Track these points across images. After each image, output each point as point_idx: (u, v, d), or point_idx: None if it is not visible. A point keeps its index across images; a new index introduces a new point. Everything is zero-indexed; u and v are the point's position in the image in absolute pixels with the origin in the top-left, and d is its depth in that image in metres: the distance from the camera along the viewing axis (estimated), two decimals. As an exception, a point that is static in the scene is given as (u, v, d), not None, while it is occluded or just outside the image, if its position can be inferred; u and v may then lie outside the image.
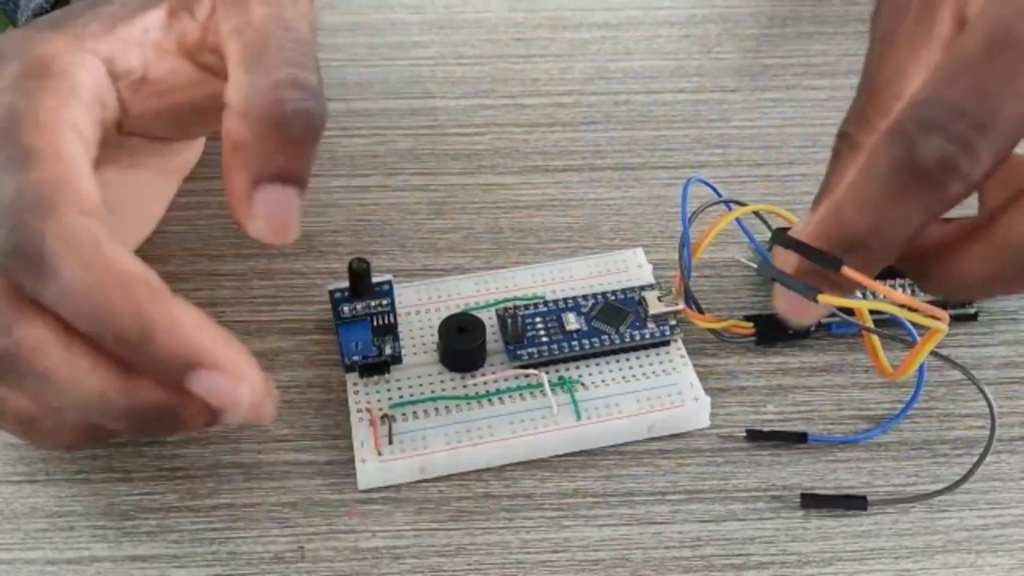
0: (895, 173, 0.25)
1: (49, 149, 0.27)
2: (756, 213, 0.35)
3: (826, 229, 0.26)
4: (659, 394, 0.33)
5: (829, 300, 0.26)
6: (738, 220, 0.35)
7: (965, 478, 0.31)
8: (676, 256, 0.36)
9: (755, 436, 0.32)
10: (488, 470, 0.32)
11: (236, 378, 0.26)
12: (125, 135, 0.31)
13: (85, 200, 0.27)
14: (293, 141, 0.28)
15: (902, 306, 0.27)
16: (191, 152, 0.37)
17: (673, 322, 0.34)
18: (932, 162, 0.24)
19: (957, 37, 0.27)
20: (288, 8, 0.30)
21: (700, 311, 0.34)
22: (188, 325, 0.26)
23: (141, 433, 0.27)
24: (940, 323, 0.26)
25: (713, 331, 0.35)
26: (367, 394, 0.33)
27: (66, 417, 0.28)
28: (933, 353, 0.29)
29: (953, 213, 0.26)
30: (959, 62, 0.25)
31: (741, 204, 0.34)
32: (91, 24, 0.30)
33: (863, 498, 0.31)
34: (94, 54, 0.29)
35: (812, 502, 0.31)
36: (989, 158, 0.24)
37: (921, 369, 0.32)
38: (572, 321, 0.34)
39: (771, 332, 0.35)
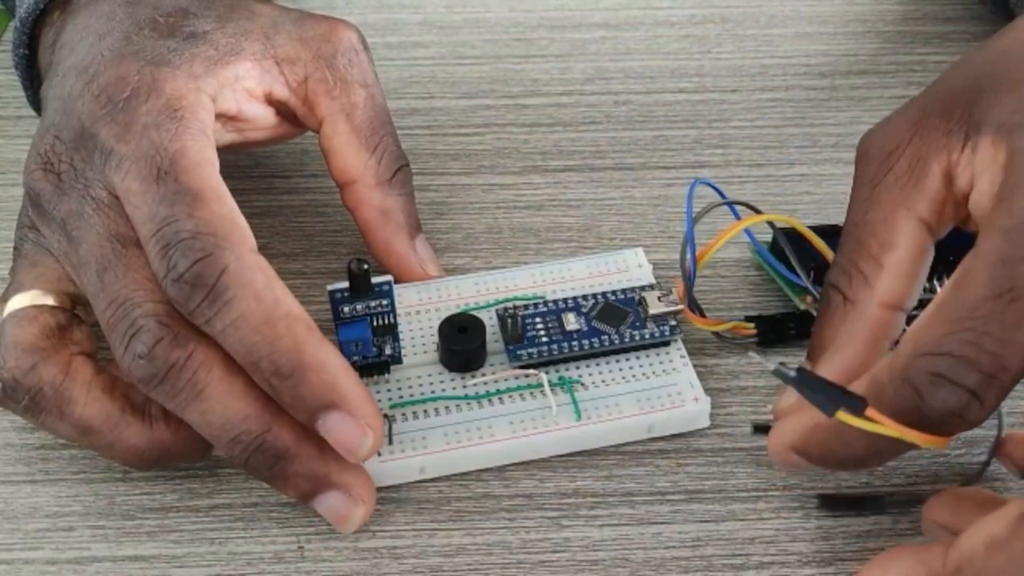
0: (903, 414, 0.26)
1: (210, 189, 0.30)
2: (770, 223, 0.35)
3: (817, 447, 0.28)
4: (659, 394, 0.33)
5: (847, 419, 0.26)
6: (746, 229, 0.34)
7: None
8: (676, 256, 0.36)
9: (761, 430, 0.32)
10: (488, 470, 0.32)
11: (364, 427, 0.28)
12: None
13: (251, 239, 0.30)
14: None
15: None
16: None
17: (673, 322, 0.34)
18: (940, 413, 0.25)
19: (946, 196, 0.29)
20: (376, 86, 0.36)
21: (702, 314, 0.34)
22: (335, 368, 0.28)
23: (246, 467, 0.29)
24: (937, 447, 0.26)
25: (715, 333, 0.35)
26: (367, 394, 0.33)
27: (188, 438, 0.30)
28: None
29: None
30: (968, 307, 0.25)
31: (749, 207, 0.34)
32: (195, 64, 0.32)
33: (881, 498, 0.31)
34: (207, 95, 0.32)
35: (830, 504, 0.31)
36: (995, 402, 0.25)
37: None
38: (572, 321, 0.34)
39: (772, 332, 0.35)
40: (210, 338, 0.29)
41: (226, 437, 0.29)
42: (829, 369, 0.29)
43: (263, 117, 0.35)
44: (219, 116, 0.33)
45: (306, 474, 0.29)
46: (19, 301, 0.31)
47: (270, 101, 0.35)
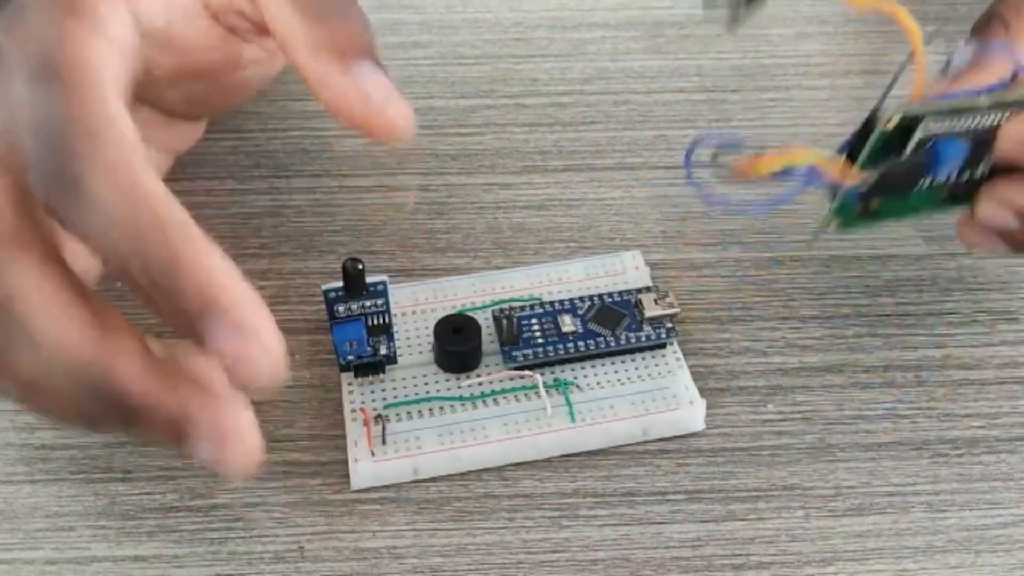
0: None
1: (84, 79, 0.26)
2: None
3: None
4: (654, 397, 0.33)
5: None
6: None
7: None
8: (676, 257, 0.36)
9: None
10: (488, 470, 0.32)
11: (251, 334, 0.24)
12: (138, 103, 0.30)
13: (123, 130, 0.26)
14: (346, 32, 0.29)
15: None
16: (194, 130, 0.37)
17: (669, 325, 0.34)
18: None
19: None
20: None
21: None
22: (215, 264, 0.24)
23: (99, 422, 0.26)
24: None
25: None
26: (361, 394, 0.33)
27: (58, 384, 0.25)
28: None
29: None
30: None
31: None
32: None
33: None
34: (123, 4, 0.29)
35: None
36: None
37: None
38: (568, 323, 0.34)
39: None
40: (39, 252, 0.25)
41: (77, 389, 0.25)
42: None
43: (203, 31, 0.31)
44: (149, 35, 0.29)
45: (165, 422, 0.25)
46: None
47: (212, 14, 0.31)
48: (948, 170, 0.32)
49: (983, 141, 0.31)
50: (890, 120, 0.29)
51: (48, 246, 0.26)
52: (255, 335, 0.24)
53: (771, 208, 0.32)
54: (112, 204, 0.24)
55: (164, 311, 0.25)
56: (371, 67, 0.29)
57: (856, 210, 0.33)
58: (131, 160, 0.25)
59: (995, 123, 0.31)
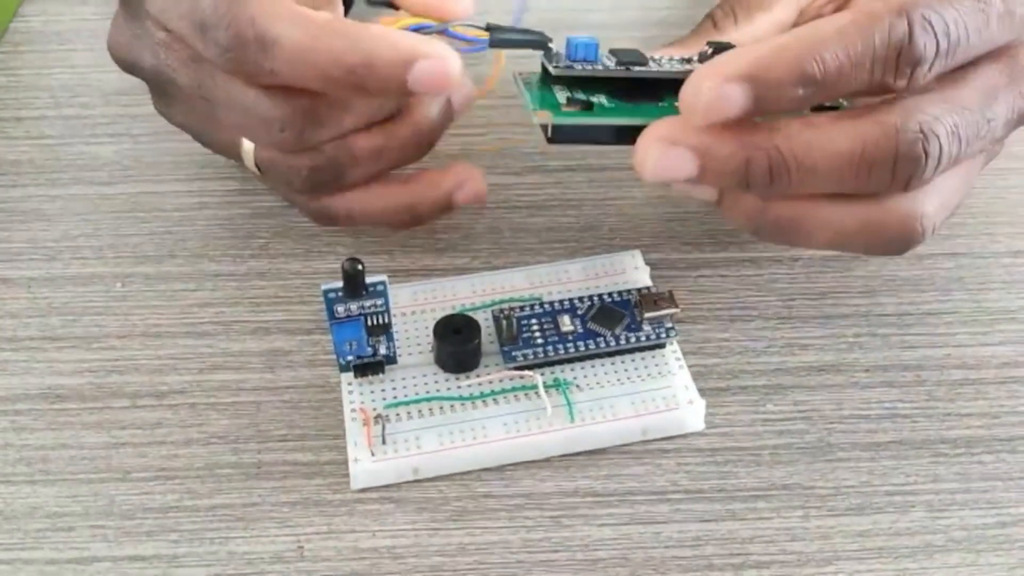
0: (886, 45, 0.28)
1: None
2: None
3: (791, 59, 0.28)
4: (653, 397, 0.33)
5: None
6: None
7: None
8: (675, 257, 0.36)
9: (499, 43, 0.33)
10: (488, 470, 0.32)
11: (445, 60, 0.30)
12: None
13: None
14: None
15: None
16: None
17: (669, 325, 0.34)
18: (919, 52, 0.28)
19: None
20: None
21: None
22: (394, 36, 0.31)
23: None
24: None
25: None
26: (361, 394, 0.33)
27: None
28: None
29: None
30: None
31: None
32: None
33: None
34: None
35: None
36: (939, 71, 0.29)
37: None
38: (567, 323, 0.34)
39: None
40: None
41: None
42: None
43: None
44: None
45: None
46: None
47: None
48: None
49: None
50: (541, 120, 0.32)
51: None
52: (448, 62, 0.31)
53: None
54: (300, 41, 0.30)
55: (375, 91, 0.31)
56: None
57: (560, 100, 0.33)
58: (290, 4, 0.31)
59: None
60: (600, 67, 0.33)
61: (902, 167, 0.30)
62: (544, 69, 0.33)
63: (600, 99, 0.33)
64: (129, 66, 0.36)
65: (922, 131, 0.29)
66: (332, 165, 0.34)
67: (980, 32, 0.29)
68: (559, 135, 0.32)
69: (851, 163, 0.30)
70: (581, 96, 0.33)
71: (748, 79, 0.28)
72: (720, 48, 0.33)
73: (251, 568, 0.30)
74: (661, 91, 0.33)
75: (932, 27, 0.28)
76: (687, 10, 0.49)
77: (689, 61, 0.34)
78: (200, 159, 0.40)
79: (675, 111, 0.30)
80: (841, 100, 0.32)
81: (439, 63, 0.30)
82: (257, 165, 0.35)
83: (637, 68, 0.33)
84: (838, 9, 0.36)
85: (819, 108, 0.32)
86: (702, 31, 0.36)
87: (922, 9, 0.28)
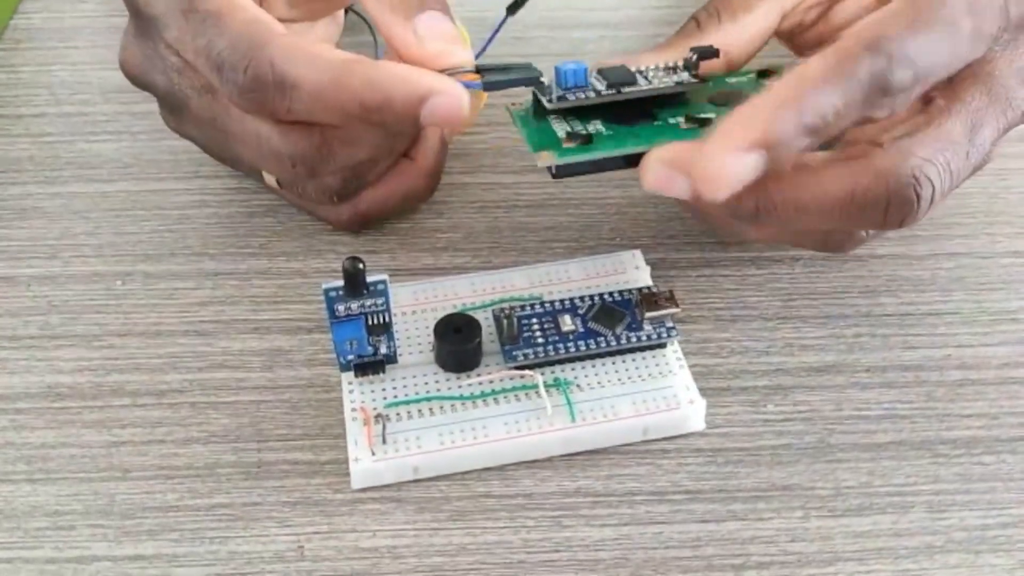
0: (868, 84, 0.29)
1: (226, 4, 0.33)
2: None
3: (794, 115, 0.29)
4: (654, 397, 0.33)
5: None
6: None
7: None
8: (676, 256, 0.36)
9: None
10: (489, 469, 0.32)
11: (458, 96, 0.32)
12: None
13: (278, 26, 0.33)
14: None
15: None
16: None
17: (669, 324, 0.34)
18: (898, 85, 0.29)
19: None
20: None
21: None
22: (409, 74, 0.32)
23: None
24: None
25: None
26: (362, 393, 0.33)
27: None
28: None
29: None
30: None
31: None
32: None
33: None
34: None
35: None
36: (916, 97, 0.30)
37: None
38: (568, 323, 0.34)
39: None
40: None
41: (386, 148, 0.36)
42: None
43: None
44: None
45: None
46: None
47: None
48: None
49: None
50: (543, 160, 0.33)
51: None
52: (457, 97, 0.32)
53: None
54: (318, 80, 0.31)
55: (393, 127, 0.33)
56: (432, 15, 0.34)
57: (561, 137, 0.33)
58: (303, 44, 0.32)
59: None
60: (592, 93, 0.34)
61: (894, 211, 0.31)
62: (537, 101, 0.34)
63: (597, 127, 0.34)
64: (141, 84, 0.36)
65: (915, 176, 0.30)
66: (354, 176, 0.36)
67: (952, 55, 0.30)
68: (563, 171, 0.33)
69: (840, 207, 0.31)
70: (578, 126, 0.34)
71: (762, 145, 0.29)
72: (704, 55, 0.34)
73: (251, 568, 0.30)
74: (653, 107, 0.34)
75: (908, 59, 0.29)
76: (687, 9, 0.48)
77: (675, 70, 0.35)
78: (200, 157, 0.40)
79: (670, 128, 0.33)
80: None
81: (451, 99, 0.31)
82: (277, 181, 0.37)
83: (627, 89, 0.34)
84: (821, 15, 0.37)
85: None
86: (685, 33, 0.36)
87: (896, 43, 0.29)
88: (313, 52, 0.32)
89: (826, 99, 0.29)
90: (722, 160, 0.29)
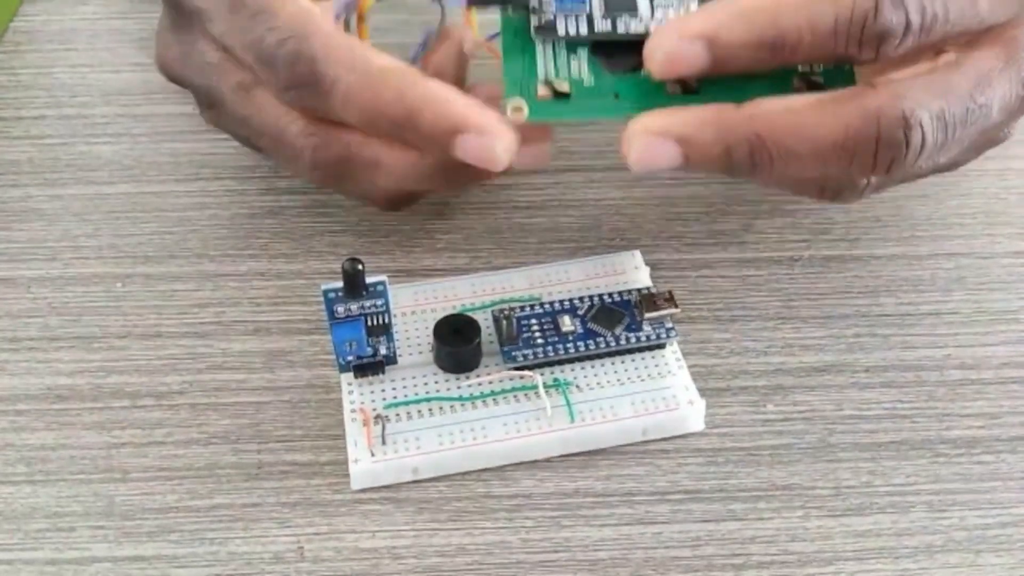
0: (849, 19, 0.28)
1: None
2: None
3: (751, 24, 0.29)
4: (654, 397, 0.33)
5: None
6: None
7: None
8: (676, 257, 0.35)
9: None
10: (488, 470, 0.32)
11: (492, 137, 0.31)
12: None
13: (325, 20, 0.32)
14: None
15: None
16: None
17: (669, 325, 0.34)
18: (886, 26, 0.28)
19: None
20: None
21: None
22: (444, 99, 0.31)
23: (447, 185, 0.35)
24: None
25: None
26: (361, 394, 0.33)
27: (386, 188, 0.35)
28: None
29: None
30: None
31: None
32: None
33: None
34: None
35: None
36: (911, 46, 0.29)
37: None
38: (567, 323, 0.34)
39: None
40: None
41: (413, 181, 0.34)
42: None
43: None
44: None
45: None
46: None
47: None
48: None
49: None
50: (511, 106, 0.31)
51: None
52: (495, 140, 0.31)
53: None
54: (355, 84, 0.31)
55: (418, 146, 0.32)
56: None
57: (534, 88, 0.32)
58: (350, 42, 0.32)
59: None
60: (584, 29, 0.32)
61: (883, 153, 0.30)
62: (527, 19, 0.33)
63: (582, 67, 0.32)
64: (178, 80, 0.37)
65: (904, 116, 0.29)
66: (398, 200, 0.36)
67: (964, 10, 0.29)
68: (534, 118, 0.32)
69: (833, 149, 0.30)
70: (564, 62, 0.32)
71: (707, 39, 0.29)
72: None
73: (251, 569, 0.30)
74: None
75: (903, 1, 0.28)
76: (687, 10, 0.49)
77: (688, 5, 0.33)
78: (200, 159, 0.40)
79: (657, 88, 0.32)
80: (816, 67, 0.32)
81: (486, 142, 0.31)
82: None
83: (625, 22, 0.32)
84: None
85: (810, 84, 0.32)
86: None
87: None
88: (356, 53, 0.32)
89: (792, 20, 0.28)
90: (662, 41, 0.29)
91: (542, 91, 0.32)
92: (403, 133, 0.31)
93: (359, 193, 0.36)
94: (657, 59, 0.30)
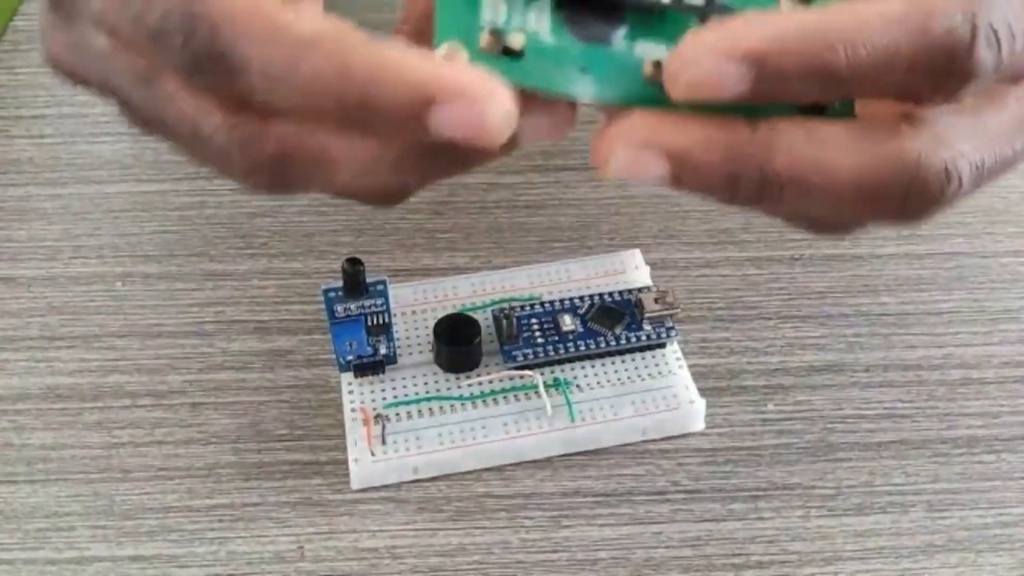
0: (937, 53, 0.22)
1: None
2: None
3: (813, 44, 0.22)
4: (654, 397, 0.33)
5: None
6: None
7: None
8: (676, 256, 0.35)
9: None
10: (488, 469, 0.32)
11: (480, 101, 0.21)
12: None
13: None
14: None
15: None
16: None
17: (669, 324, 0.34)
18: (976, 68, 0.22)
19: None
20: None
21: None
22: (406, 62, 0.22)
23: (429, 176, 0.25)
24: None
25: None
26: (361, 394, 0.33)
27: (349, 187, 0.25)
28: None
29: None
30: None
31: None
32: None
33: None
34: None
35: None
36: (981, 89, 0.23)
37: None
38: (568, 322, 0.34)
39: None
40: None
41: (374, 185, 0.24)
42: None
43: None
44: None
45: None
46: None
47: None
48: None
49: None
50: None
51: None
52: (484, 103, 0.21)
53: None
54: (270, 61, 0.22)
55: (385, 133, 0.23)
56: None
57: (481, 38, 0.23)
58: (261, 8, 0.23)
59: None
60: None
61: (912, 203, 0.25)
62: None
63: (541, 19, 0.24)
64: (72, 77, 0.29)
65: (946, 168, 0.24)
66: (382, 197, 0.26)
67: None
68: None
69: (856, 192, 0.24)
70: (519, 2, 0.23)
71: (754, 60, 0.22)
72: None
73: (251, 568, 0.30)
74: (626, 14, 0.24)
75: (997, 38, 0.22)
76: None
77: None
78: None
79: (633, 57, 0.24)
80: None
81: (473, 109, 0.21)
82: None
83: None
84: None
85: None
86: None
87: (994, 12, 0.22)
88: (267, 20, 0.23)
89: (868, 43, 0.22)
90: (698, 56, 0.22)
91: (485, 41, 0.23)
92: (354, 116, 0.23)
93: (325, 193, 0.26)
94: (683, 82, 0.22)
